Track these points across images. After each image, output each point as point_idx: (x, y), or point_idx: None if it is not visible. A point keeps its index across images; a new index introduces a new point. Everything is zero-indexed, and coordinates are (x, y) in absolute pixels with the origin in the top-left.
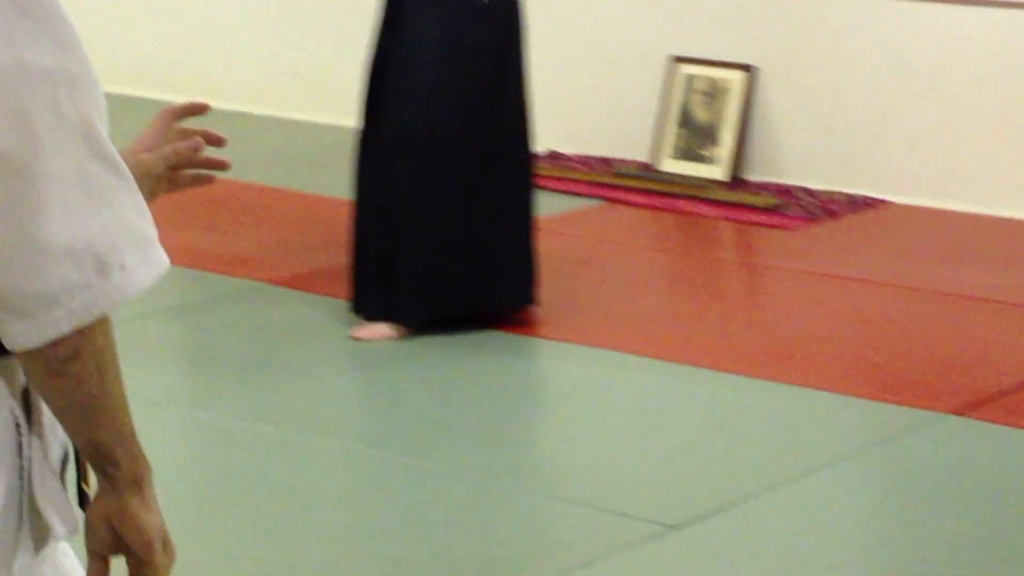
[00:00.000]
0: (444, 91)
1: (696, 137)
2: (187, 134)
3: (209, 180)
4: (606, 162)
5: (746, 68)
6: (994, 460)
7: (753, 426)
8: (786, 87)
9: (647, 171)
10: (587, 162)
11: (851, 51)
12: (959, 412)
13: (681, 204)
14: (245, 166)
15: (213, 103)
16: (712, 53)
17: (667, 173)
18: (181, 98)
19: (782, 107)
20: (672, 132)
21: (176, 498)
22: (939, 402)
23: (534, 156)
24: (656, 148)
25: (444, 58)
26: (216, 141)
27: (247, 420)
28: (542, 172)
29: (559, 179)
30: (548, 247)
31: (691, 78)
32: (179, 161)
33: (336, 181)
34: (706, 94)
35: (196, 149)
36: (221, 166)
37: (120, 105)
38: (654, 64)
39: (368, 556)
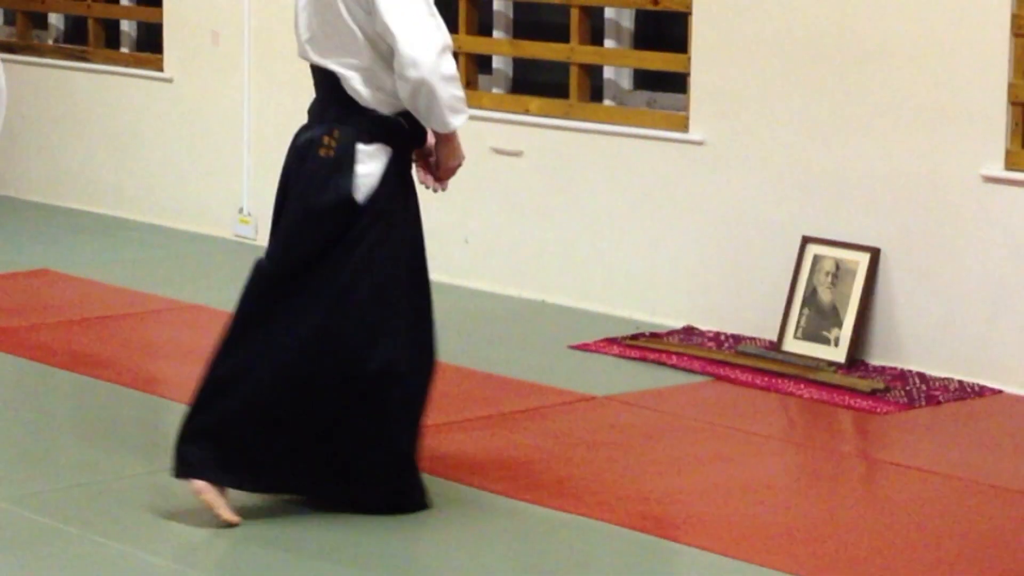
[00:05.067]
0: None
1: (820, 318)
2: None
3: None
4: (736, 339)
5: (872, 250)
6: None
7: None
8: (909, 271)
9: (769, 351)
10: (717, 338)
11: (972, 237)
12: None
13: (785, 385)
14: None
15: None
16: (842, 234)
17: (787, 353)
18: None
19: (904, 291)
20: (798, 312)
21: None
22: None
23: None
24: (783, 327)
25: None
26: None
27: None
28: (670, 347)
29: (679, 354)
30: (628, 420)
31: (818, 259)
32: None
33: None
34: (831, 275)
35: None
36: None
37: None
38: (788, 243)
39: None
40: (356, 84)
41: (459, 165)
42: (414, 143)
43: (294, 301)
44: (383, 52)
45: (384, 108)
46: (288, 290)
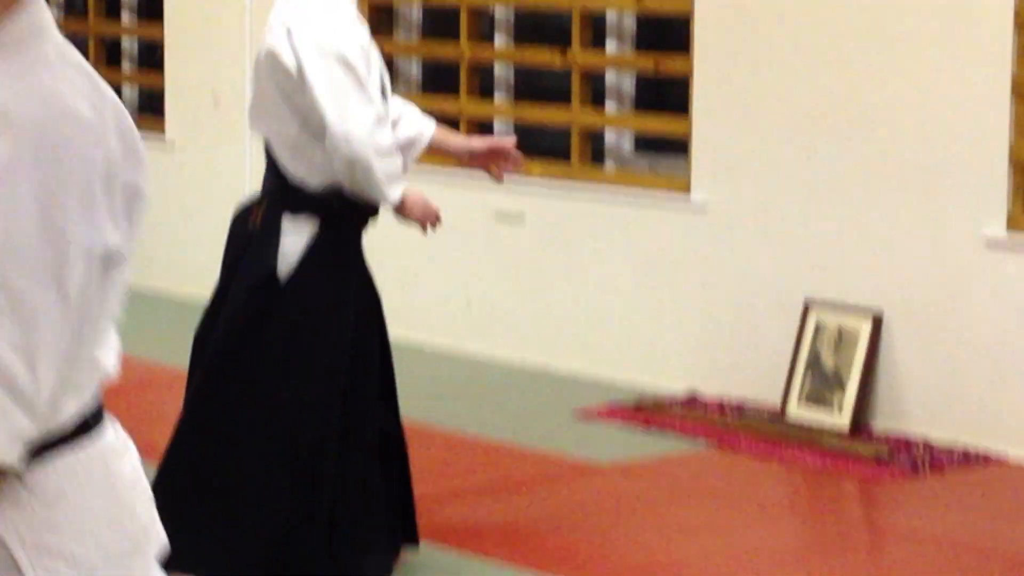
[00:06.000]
0: None
1: (823, 383)
2: None
3: None
4: (740, 406)
5: (875, 314)
6: None
7: None
8: (912, 336)
9: (774, 418)
10: (720, 408)
11: (975, 299)
12: None
13: (788, 453)
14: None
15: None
16: (844, 298)
17: (791, 421)
18: None
19: (907, 356)
20: (802, 376)
21: None
22: None
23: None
24: (787, 392)
25: None
26: None
27: None
28: (672, 414)
29: (682, 421)
30: (631, 488)
31: (821, 323)
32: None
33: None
34: (834, 340)
35: None
36: None
37: None
38: (790, 308)
39: None
40: (283, 155)
41: (428, 212)
42: (354, 214)
43: (228, 380)
44: (312, 124)
45: (312, 180)
46: (221, 371)
